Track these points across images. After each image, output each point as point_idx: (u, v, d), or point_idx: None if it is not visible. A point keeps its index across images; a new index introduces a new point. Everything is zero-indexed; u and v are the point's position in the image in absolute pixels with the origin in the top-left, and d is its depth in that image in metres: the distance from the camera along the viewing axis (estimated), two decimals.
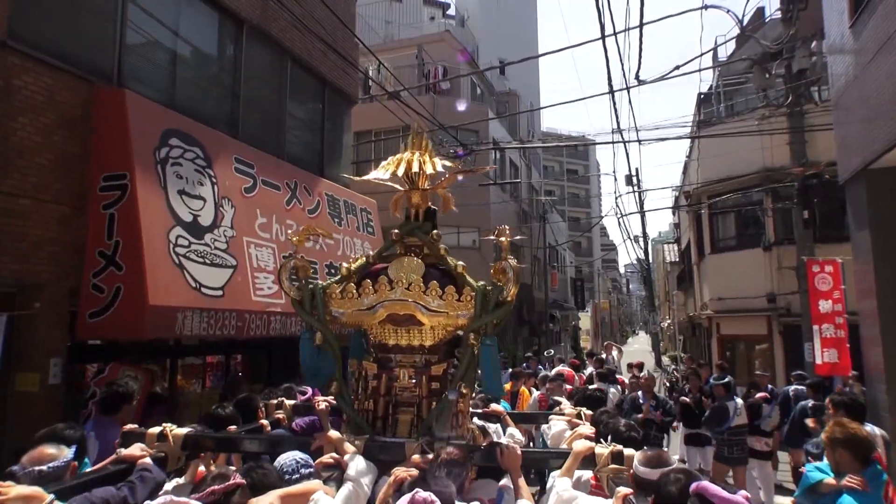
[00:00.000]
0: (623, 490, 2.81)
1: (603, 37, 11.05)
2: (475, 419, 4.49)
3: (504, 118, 25.17)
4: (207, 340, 8.77)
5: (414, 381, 3.64)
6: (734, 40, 18.61)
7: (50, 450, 2.98)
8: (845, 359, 10.53)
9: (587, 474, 3.42)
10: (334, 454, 3.18)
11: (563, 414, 4.74)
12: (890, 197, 8.26)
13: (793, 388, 9.54)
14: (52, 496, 2.39)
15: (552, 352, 14.22)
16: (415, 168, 3.77)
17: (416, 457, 3.07)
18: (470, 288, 3.55)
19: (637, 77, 12.13)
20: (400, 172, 3.79)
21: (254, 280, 7.44)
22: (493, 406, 5.04)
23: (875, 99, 8.05)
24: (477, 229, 20.07)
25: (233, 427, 4.09)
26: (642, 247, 33.12)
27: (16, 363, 5.77)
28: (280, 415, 4.77)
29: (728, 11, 13.78)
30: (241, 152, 8.02)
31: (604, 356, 14.97)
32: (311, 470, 3.13)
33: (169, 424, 3.59)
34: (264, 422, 4.49)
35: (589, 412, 4.62)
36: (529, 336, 24.53)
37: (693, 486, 2.38)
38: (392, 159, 3.87)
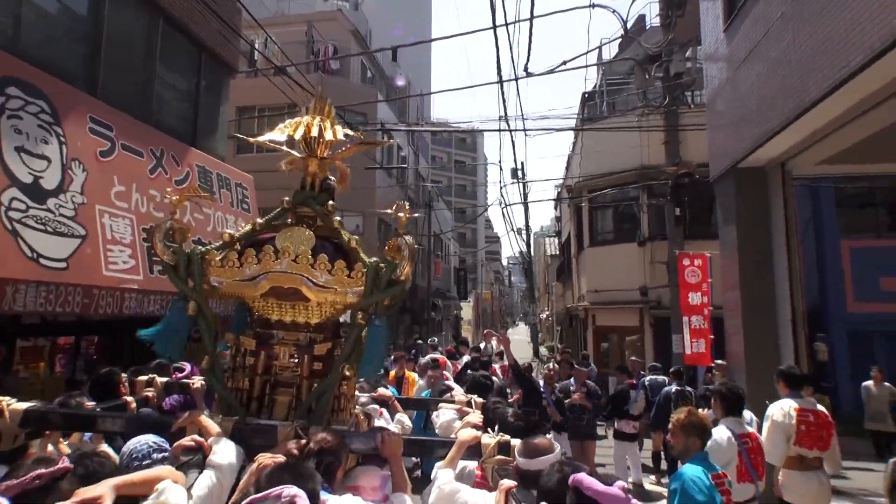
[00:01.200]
0: (506, 483, 2.64)
1: (494, 26, 11.06)
2: (362, 399, 4.30)
3: (393, 104, 24.83)
4: (52, 319, 7.93)
5: (295, 359, 3.33)
6: (618, 41, 19.35)
7: None
8: (708, 349, 11.14)
9: (472, 465, 3.24)
10: (196, 436, 2.83)
11: (454, 401, 4.57)
12: (755, 194, 8.71)
13: (649, 377, 9.92)
14: None
15: (435, 339, 14.09)
16: (314, 133, 3.47)
17: (290, 443, 2.77)
18: (362, 264, 3.27)
19: (526, 69, 12.19)
20: (297, 136, 3.49)
21: (106, 253, 6.72)
22: (381, 390, 4.82)
23: (745, 101, 8.44)
24: (361, 214, 19.67)
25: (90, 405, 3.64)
26: (525, 240, 33.94)
27: None
28: (149, 392, 4.33)
29: (613, 12, 14.23)
30: (97, 111, 7.23)
31: (482, 345, 15.03)
32: (166, 455, 2.81)
33: (6, 398, 3.15)
34: (129, 398, 4.06)
35: (479, 399, 4.47)
36: (411, 324, 24.41)
37: (570, 478, 2.25)
38: (291, 122, 3.55)
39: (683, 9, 13.35)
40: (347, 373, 3.23)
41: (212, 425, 2.95)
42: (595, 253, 19.36)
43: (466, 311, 43.31)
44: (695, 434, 3.90)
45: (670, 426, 4.04)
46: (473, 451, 3.05)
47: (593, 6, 14.47)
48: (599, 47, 22.14)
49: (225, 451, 2.73)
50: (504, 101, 14.55)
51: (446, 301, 35.49)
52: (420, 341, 15.59)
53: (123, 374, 4.59)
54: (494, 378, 9.44)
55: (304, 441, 2.75)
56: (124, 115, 7.79)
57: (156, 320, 3.36)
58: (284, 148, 3.71)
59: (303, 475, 2.26)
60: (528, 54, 12.16)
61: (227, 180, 10.05)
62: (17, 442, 3.11)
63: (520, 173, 26.97)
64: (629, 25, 15.37)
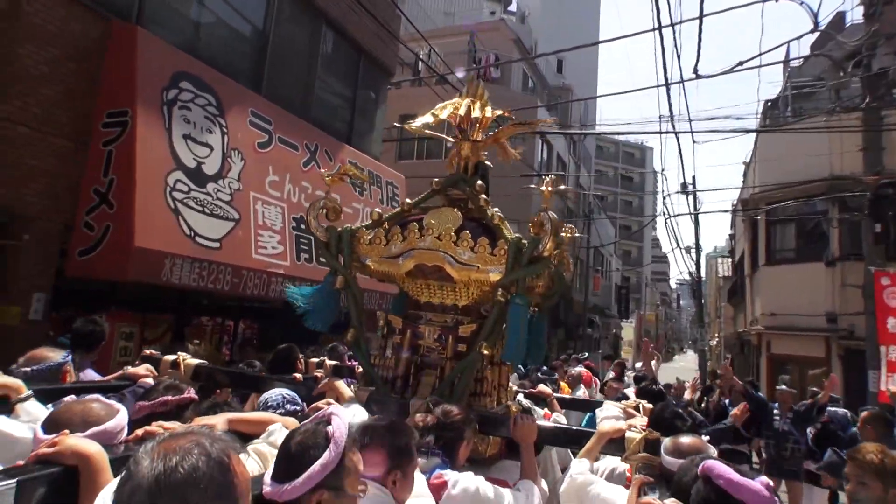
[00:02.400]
0: (640, 477, 2.41)
1: (659, 27, 10.50)
2: (521, 398, 4.14)
3: (555, 113, 24.55)
4: (217, 301, 8.59)
5: (439, 340, 3.31)
6: (808, 42, 17.64)
7: (46, 352, 3.06)
8: None
9: (622, 467, 2.99)
10: (329, 399, 2.93)
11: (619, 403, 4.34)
12: None
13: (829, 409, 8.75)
14: (29, 391, 2.43)
15: (585, 354, 13.62)
16: (463, 113, 3.48)
17: (417, 416, 2.71)
18: (504, 241, 3.17)
19: (695, 70, 11.41)
20: (443, 116, 3.51)
21: (257, 237, 7.15)
22: (541, 387, 4.68)
23: None
24: (517, 222, 19.56)
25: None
26: (694, 258, 31.97)
27: (1, 296, 5.62)
28: (319, 373, 4.54)
29: (801, 3, 12.85)
30: (258, 106, 7.76)
31: (639, 364, 14.24)
32: (297, 408, 3.03)
33: (184, 354, 3.61)
34: (298, 376, 4.35)
35: (649, 405, 4.15)
36: (565, 339, 23.83)
37: (701, 465, 1.95)
38: (441, 105, 3.59)
39: None
40: (485, 352, 3.13)
41: (346, 392, 3.06)
42: (772, 272, 17.56)
43: (628, 331, 41.60)
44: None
45: (849, 469, 3.15)
46: (617, 446, 2.81)
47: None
48: (787, 44, 20.28)
49: (355, 417, 2.74)
50: (670, 105, 13.64)
51: (605, 319, 34.36)
52: (564, 357, 15.09)
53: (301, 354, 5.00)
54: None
55: (431, 416, 2.69)
56: (283, 112, 8.30)
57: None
58: (444, 136, 3.80)
59: (394, 430, 2.19)
60: (698, 54, 11.35)
61: (379, 178, 10.38)
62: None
63: (688, 185, 25.53)
64: (823, 22, 13.95)
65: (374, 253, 3.37)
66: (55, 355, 3.07)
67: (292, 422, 2.53)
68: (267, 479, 1.66)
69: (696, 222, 31.60)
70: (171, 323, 8.17)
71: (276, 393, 3.10)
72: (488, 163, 3.79)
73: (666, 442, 2.58)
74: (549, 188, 3.21)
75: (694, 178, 32.65)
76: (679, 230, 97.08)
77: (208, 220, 6.50)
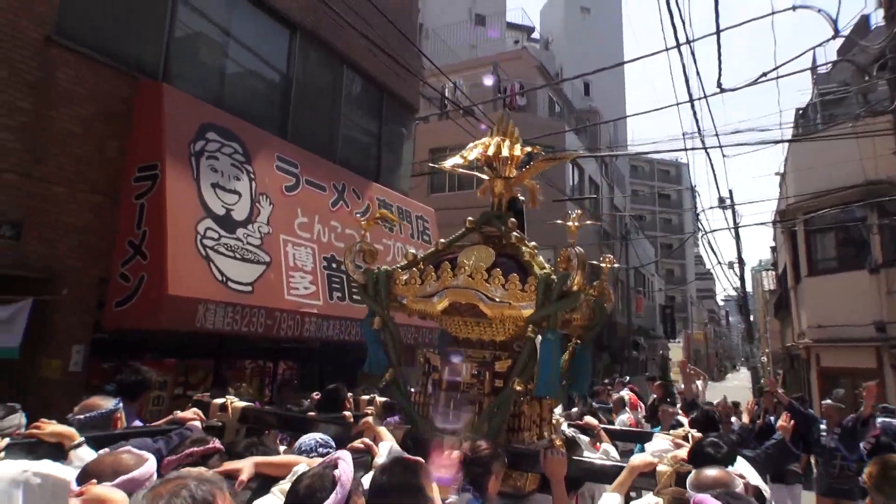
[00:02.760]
0: None
1: (677, 45, 10.48)
2: (566, 429, 4.21)
3: (584, 137, 24.51)
4: (254, 344, 8.69)
5: (477, 376, 3.38)
6: (836, 47, 17.32)
7: (99, 401, 3.30)
8: None
9: (654, 501, 2.91)
10: (366, 439, 3.03)
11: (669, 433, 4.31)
12: None
13: (881, 420, 8.36)
14: (81, 439, 2.64)
15: (626, 378, 13.36)
16: (501, 153, 3.58)
17: (455, 452, 2.76)
18: (534, 277, 3.24)
19: (719, 84, 11.30)
20: (471, 157, 3.61)
21: (288, 279, 7.26)
22: (588, 419, 4.66)
23: None
24: (553, 248, 19.43)
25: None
26: (738, 274, 31.26)
27: (41, 348, 5.80)
28: (370, 410, 4.65)
29: (819, 11, 12.71)
30: (284, 151, 7.94)
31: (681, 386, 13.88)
32: (331, 451, 3.09)
33: (231, 397, 3.81)
34: (347, 413, 4.45)
35: (698, 434, 4.05)
36: (611, 363, 23.39)
37: (691, 501, 2.01)
38: (472, 144, 3.71)
39: None
40: (518, 388, 3.15)
41: (384, 432, 3.12)
42: (815, 283, 17.06)
43: (676, 351, 40.66)
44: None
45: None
46: (650, 480, 2.80)
47: (794, 8, 13.11)
48: (813, 50, 19.98)
49: (388, 455, 2.85)
50: (696, 119, 13.47)
51: (651, 340, 33.67)
52: (606, 382, 14.79)
53: (350, 392, 5.15)
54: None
55: (458, 452, 2.74)
56: (309, 154, 8.47)
57: (334, 343, 3.67)
58: (476, 174, 3.93)
59: (409, 469, 2.25)
60: (719, 69, 11.26)
61: (408, 213, 10.47)
62: (239, 436, 3.57)
63: (725, 200, 25.09)
64: (846, 27, 13.70)
65: (410, 293, 3.45)
66: (107, 403, 3.29)
67: (313, 461, 2.60)
68: None
69: (737, 236, 30.96)
70: (211, 368, 8.30)
71: (309, 438, 3.25)
72: (521, 197, 3.91)
73: (691, 475, 2.54)
74: (576, 223, 3.23)
75: (731, 192, 32.03)
76: (718, 246, 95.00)
77: (239, 265, 6.63)
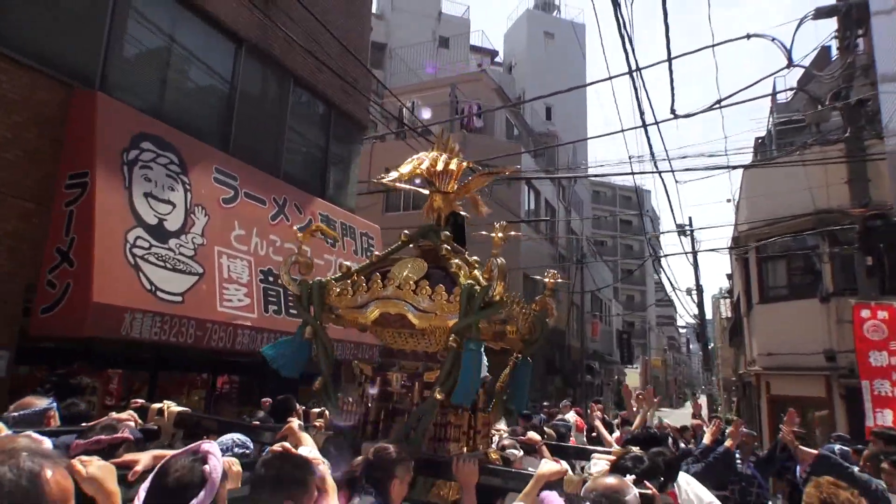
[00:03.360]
0: None
1: (630, 71, 10.81)
2: (506, 443, 4.28)
3: (541, 161, 24.90)
4: (194, 357, 8.64)
5: (406, 386, 3.50)
6: (787, 75, 17.83)
7: (33, 400, 3.45)
8: None
9: None
10: (284, 443, 2.97)
11: (609, 452, 4.33)
12: None
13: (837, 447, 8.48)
14: (9, 431, 2.56)
15: (566, 402, 13.51)
16: (437, 168, 3.64)
17: (356, 459, 2.87)
18: (459, 287, 3.29)
19: (672, 110, 11.68)
20: (405, 171, 3.65)
21: (222, 291, 7.27)
22: (531, 434, 4.66)
23: None
24: (510, 271, 19.60)
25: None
26: (696, 301, 31.85)
27: None
28: (319, 423, 4.71)
29: (773, 40, 12.92)
30: (223, 163, 7.98)
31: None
32: (247, 451, 3.24)
33: (169, 402, 3.88)
34: (294, 421, 4.43)
35: (639, 451, 4.18)
36: (563, 386, 23.60)
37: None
38: (413, 158, 3.77)
39: (866, 26, 11.82)
40: (439, 396, 3.20)
41: (305, 438, 3.14)
42: (766, 311, 17.27)
43: (633, 377, 41.13)
44: None
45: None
46: (559, 489, 2.81)
47: (749, 36, 13.43)
48: (767, 78, 20.63)
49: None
50: (649, 143, 13.86)
51: (607, 365, 34.04)
52: (546, 404, 14.91)
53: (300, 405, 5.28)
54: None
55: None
56: (250, 168, 8.51)
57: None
58: (416, 188, 4.03)
59: (287, 461, 2.35)
60: (672, 94, 11.66)
61: (353, 229, 10.56)
62: (175, 440, 3.65)
63: (684, 226, 25.66)
64: (804, 58, 14.09)
65: (343, 303, 3.52)
66: (41, 402, 3.43)
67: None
68: None
69: (695, 262, 31.67)
70: (146, 379, 8.23)
71: (227, 437, 3.30)
72: (464, 213, 3.99)
73: (588, 482, 2.61)
74: (500, 234, 3.32)
75: (690, 218, 32.68)
76: (672, 272, 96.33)
77: (170, 275, 6.63)
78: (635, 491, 2.50)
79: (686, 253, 26.45)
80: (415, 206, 18.67)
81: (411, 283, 3.30)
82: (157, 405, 3.84)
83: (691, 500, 3.77)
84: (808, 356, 15.00)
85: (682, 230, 26.49)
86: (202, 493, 1.70)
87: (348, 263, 3.85)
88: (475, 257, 3.65)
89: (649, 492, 2.62)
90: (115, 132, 6.52)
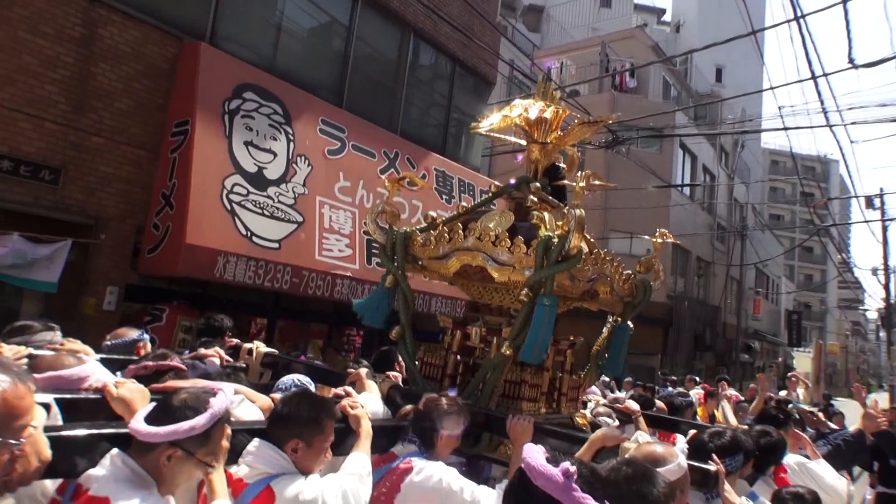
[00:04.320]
0: None
1: (795, 18, 9.52)
2: (601, 410, 3.98)
3: (704, 122, 22.99)
4: (313, 307, 8.87)
5: (484, 341, 3.43)
6: None
7: (126, 330, 3.69)
8: None
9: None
10: (347, 387, 3.08)
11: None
12: None
13: None
14: (97, 357, 2.76)
15: (691, 377, 12.49)
16: (531, 116, 3.50)
17: (408, 406, 2.90)
18: (537, 240, 3.14)
19: (850, 58, 10.24)
20: (514, 115, 3.57)
21: (322, 240, 7.33)
22: (629, 403, 4.21)
23: None
24: (629, 235, 18.43)
25: None
26: (882, 281, 28.17)
27: (80, 287, 6.25)
28: (393, 375, 4.84)
29: None
30: (330, 114, 8.00)
31: (784, 393, 12.75)
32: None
33: (258, 342, 4.08)
34: (393, 374, 4.48)
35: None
36: (716, 365, 21.85)
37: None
38: (511, 105, 3.68)
39: None
40: (507, 353, 3.09)
41: (371, 385, 3.28)
42: None
43: (804, 361, 37.54)
44: None
45: None
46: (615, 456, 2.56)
47: None
48: None
49: (367, 404, 2.93)
50: (820, 97, 11.82)
51: (771, 346, 31.29)
52: (672, 378, 13.74)
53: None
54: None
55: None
56: (361, 121, 8.48)
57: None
58: (514, 139, 3.90)
59: (306, 401, 2.35)
60: (850, 41, 10.18)
61: (472, 186, 10.27)
62: (262, 379, 3.80)
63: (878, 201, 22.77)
64: None
65: (425, 254, 3.45)
66: (132, 333, 3.66)
67: (254, 395, 2.82)
68: (141, 416, 1.81)
69: (885, 237, 27.93)
70: (264, 326, 8.58)
71: (288, 377, 3.34)
72: (562, 165, 3.76)
73: (632, 449, 2.38)
74: (582, 183, 3.12)
75: (882, 189, 28.74)
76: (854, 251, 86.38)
77: (267, 222, 6.77)
78: (679, 462, 2.21)
79: (866, 221, 23.41)
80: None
81: (491, 234, 3.15)
82: (248, 345, 3.98)
83: (806, 483, 3.47)
84: None
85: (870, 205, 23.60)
86: (197, 419, 1.77)
87: (433, 213, 3.74)
88: (580, 212, 3.18)
89: (712, 467, 2.48)
90: (218, 82, 6.70)
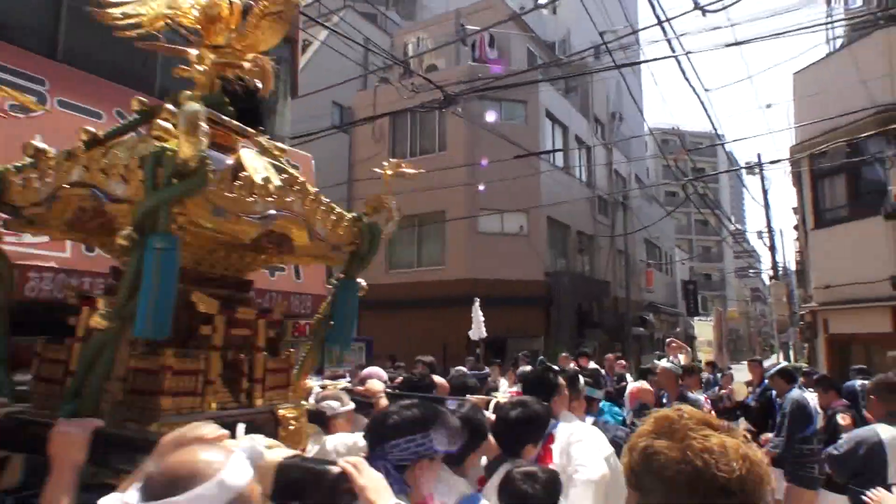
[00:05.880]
0: None
1: None
2: (325, 395, 3.35)
3: (575, 97, 22.51)
4: None
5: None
6: None
7: None
8: None
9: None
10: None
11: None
12: None
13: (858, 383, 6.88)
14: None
15: (564, 354, 11.69)
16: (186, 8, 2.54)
17: None
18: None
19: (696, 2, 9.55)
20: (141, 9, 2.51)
21: None
22: (370, 383, 3.54)
23: None
24: (525, 213, 17.67)
25: None
26: (767, 244, 28.73)
27: None
28: None
29: None
30: None
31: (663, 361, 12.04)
32: None
33: None
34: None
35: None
36: (609, 341, 21.28)
37: None
38: None
39: None
40: (100, 323, 2.12)
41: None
42: (823, 237, 14.68)
43: (705, 329, 38.20)
44: None
45: None
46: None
47: None
48: None
49: None
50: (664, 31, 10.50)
51: (669, 317, 31.41)
52: (525, 353, 12.75)
53: None
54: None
55: None
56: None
57: None
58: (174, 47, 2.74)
59: None
60: None
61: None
62: None
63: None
64: None
65: (29, 199, 2.45)
66: None
67: None
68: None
69: (766, 200, 28.37)
70: None
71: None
72: (257, 81, 2.66)
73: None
74: (390, 172, 2.86)
75: (759, 155, 29.18)
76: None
77: None
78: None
79: (724, 172, 23.53)
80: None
81: (101, 161, 2.20)
82: None
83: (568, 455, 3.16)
84: (870, 285, 12.60)
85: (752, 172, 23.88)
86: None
87: (40, 145, 2.54)
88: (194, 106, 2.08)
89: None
90: None
